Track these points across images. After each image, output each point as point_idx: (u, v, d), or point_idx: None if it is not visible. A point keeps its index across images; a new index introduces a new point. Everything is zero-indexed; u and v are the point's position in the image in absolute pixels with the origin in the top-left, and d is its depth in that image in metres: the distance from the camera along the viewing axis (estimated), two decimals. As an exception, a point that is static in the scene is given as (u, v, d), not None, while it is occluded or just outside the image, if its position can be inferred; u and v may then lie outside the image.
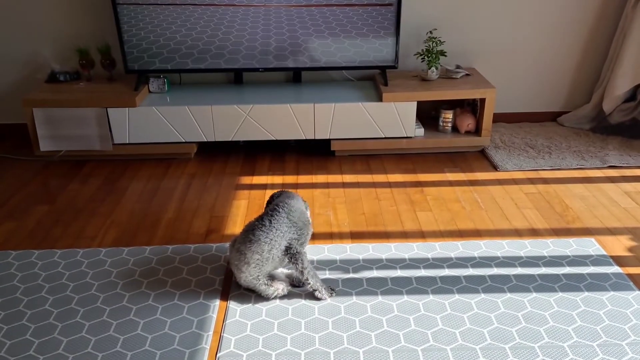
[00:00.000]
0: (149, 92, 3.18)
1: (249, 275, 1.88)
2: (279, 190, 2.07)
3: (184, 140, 3.05)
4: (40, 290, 2.01)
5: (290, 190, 2.07)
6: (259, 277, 1.89)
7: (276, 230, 1.87)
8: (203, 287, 2.01)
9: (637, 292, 1.96)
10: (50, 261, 2.17)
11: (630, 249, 2.23)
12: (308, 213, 2.00)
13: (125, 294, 1.98)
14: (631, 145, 3.15)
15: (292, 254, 1.89)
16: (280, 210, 1.90)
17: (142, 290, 2.00)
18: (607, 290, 1.97)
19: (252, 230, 1.89)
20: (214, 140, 3.04)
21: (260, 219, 1.91)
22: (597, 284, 2.01)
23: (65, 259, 2.19)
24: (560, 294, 1.96)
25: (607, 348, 1.71)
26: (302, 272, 1.90)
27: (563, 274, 2.06)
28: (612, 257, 2.17)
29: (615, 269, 2.09)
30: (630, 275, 2.06)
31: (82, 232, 2.40)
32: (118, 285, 2.03)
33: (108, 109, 2.96)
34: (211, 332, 1.80)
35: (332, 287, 1.98)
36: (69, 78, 3.22)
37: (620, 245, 2.26)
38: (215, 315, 1.87)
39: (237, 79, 3.35)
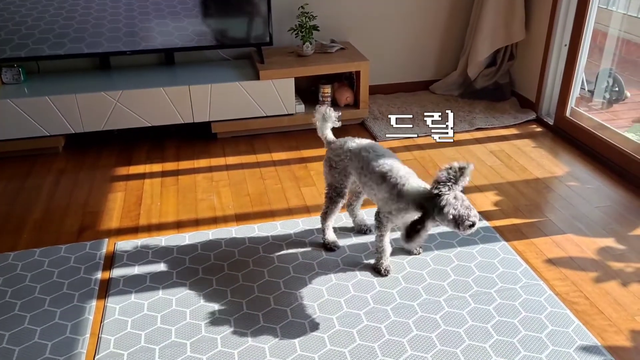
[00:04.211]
0: (3, 83, 2.88)
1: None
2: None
3: (48, 134, 2.80)
4: None
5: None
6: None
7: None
8: (77, 289, 1.88)
9: (503, 242, 2.13)
10: None
11: (495, 204, 2.41)
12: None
13: (-14, 307, 1.80)
14: (495, 108, 3.39)
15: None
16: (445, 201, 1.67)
17: (6, 301, 1.82)
18: (476, 244, 2.12)
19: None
20: (82, 131, 2.83)
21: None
22: (467, 239, 2.15)
23: None
24: (436, 252, 2.07)
25: (477, 297, 1.84)
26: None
27: (438, 233, 2.18)
28: (480, 212, 2.33)
29: (483, 223, 2.25)
30: (496, 228, 2.23)
31: None
32: (-23, 298, 1.84)
33: (-47, 104, 2.64)
34: (88, 335, 1.69)
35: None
36: None
37: (487, 200, 2.43)
38: (92, 317, 1.76)
39: (103, 64, 3.13)
